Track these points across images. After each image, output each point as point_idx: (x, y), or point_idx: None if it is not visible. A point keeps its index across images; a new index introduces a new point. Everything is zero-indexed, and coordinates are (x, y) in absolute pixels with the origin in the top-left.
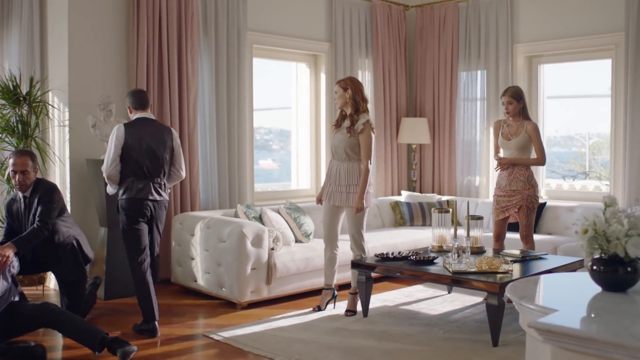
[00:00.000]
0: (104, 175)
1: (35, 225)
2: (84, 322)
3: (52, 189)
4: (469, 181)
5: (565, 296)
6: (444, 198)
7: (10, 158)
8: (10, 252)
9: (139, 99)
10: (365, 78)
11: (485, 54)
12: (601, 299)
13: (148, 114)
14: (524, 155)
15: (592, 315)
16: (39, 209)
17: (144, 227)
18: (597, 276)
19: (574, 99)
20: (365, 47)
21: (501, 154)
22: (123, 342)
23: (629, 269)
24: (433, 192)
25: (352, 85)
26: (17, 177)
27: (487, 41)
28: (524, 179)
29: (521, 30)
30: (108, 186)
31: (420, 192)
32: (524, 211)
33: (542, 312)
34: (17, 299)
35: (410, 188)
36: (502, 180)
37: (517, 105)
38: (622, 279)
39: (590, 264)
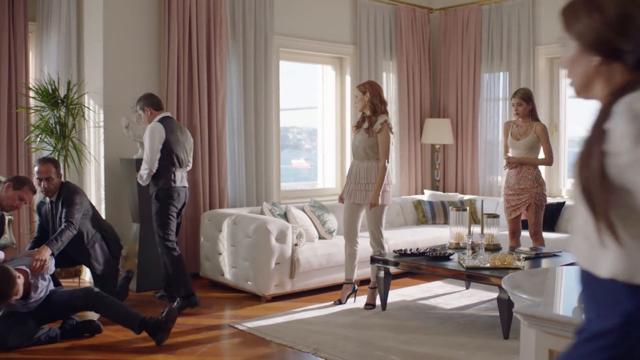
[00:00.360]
0: (150, 169)
1: (62, 226)
2: (124, 306)
3: (74, 192)
4: (491, 180)
5: (557, 287)
6: (466, 197)
7: (35, 166)
8: (46, 256)
9: (157, 101)
10: (390, 80)
11: (508, 55)
12: None
13: (168, 113)
14: (532, 155)
15: (575, 303)
16: (64, 211)
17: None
18: None
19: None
20: (389, 49)
21: (510, 154)
22: (160, 325)
23: None
24: (456, 192)
25: (370, 89)
26: (42, 183)
27: (509, 43)
28: (532, 177)
29: (542, 32)
30: (142, 178)
31: (444, 191)
32: (532, 209)
33: (531, 300)
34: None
35: (434, 187)
36: (511, 179)
37: (527, 106)
38: None
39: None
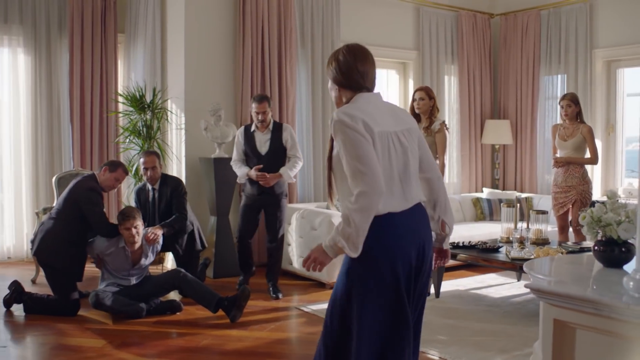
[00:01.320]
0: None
1: (175, 215)
2: (205, 286)
3: (180, 183)
4: (549, 179)
5: (571, 270)
6: (523, 195)
7: (140, 158)
8: (160, 232)
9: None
10: (451, 83)
11: (565, 58)
12: (598, 272)
13: None
14: (579, 155)
15: (578, 281)
16: (175, 202)
17: None
18: (598, 255)
19: None
20: (451, 54)
21: (558, 154)
22: (235, 302)
23: (623, 249)
24: (514, 190)
25: (432, 94)
26: (148, 172)
27: (567, 46)
28: (579, 175)
29: (600, 36)
30: (293, 175)
31: (503, 189)
32: (577, 205)
33: (543, 279)
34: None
35: (494, 186)
36: (559, 177)
37: (575, 108)
38: (618, 257)
39: (593, 245)
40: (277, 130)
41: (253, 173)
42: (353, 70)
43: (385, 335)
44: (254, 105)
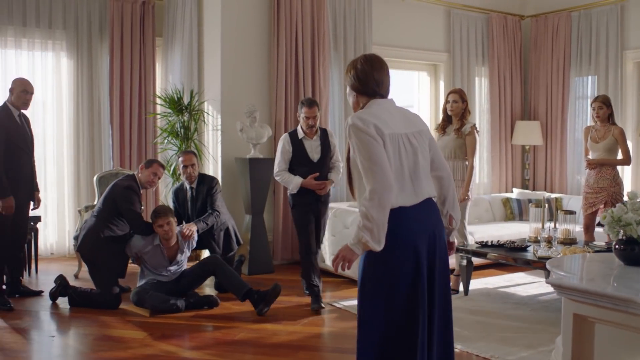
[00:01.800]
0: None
1: (209, 212)
2: (238, 276)
3: (215, 181)
4: (579, 179)
5: (592, 267)
6: (553, 195)
7: (180, 157)
8: (194, 228)
9: None
10: (482, 85)
11: (596, 60)
12: (619, 270)
13: None
14: (610, 157)
15: (598, 278)
16: (209, 200)
17: None
18: (618, 253)
19: None
20: (482, 56)
21: (590, 156)
22: (264, 297)
23: None
24: (544, 190)
25: (465, 97)
26: (187, 170)
27: (597, 48)
28: (611, 177)
29: (631, 37)
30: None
31: (533, 190)
32: (608, 206)
33: (565, 276)
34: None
35: (524, 186)
36: (591, 179)
37: (606, 110)
38: (637, 256)
39: (614, 243)
40: (324, 135)
41: (312, 182)
42: (369, 79)
43: (397, 321)
44: (303, 109)
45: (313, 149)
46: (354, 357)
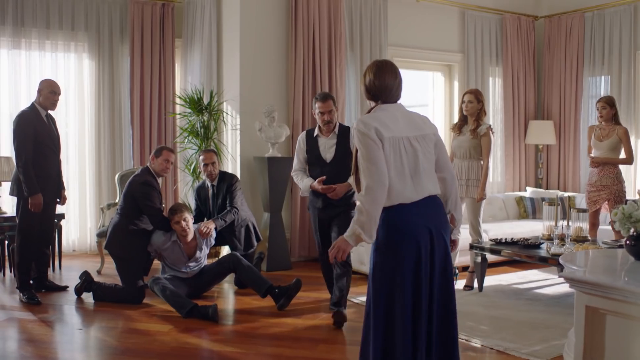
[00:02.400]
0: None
1: (227, 209)
2: (258, 272)
3: (236, 180)
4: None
5: (603, 262)
6: (566, 194)
7: (200, 155)
8: (212, 225)
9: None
10: (496, 84)
11: (609, 60)
12: (630, 265)
13: None
14: (614, 156)
15: (609, 271)
16: (228, 197)
17: None
18: (629, 249)
19: None
20: (495, 56)
21: (593, 154)
22: (285, 292)
23: None
24: (557, 189)
25: (481, 98)
26: (208, 168)
27: (610, 48)
28: (613, 175)
29: None
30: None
31: (546, 188)
32: (611, 204)
33: (577, 270)
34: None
35: (537, 185)
36: (593, 177)
37: (610, 110)
38: None
39: (625, 240)
40: (343, 134)
41: (317, 186)
42: (376, 86)
43: (401, 311)
44: (317, 105)
45: (327, 148)
46: None
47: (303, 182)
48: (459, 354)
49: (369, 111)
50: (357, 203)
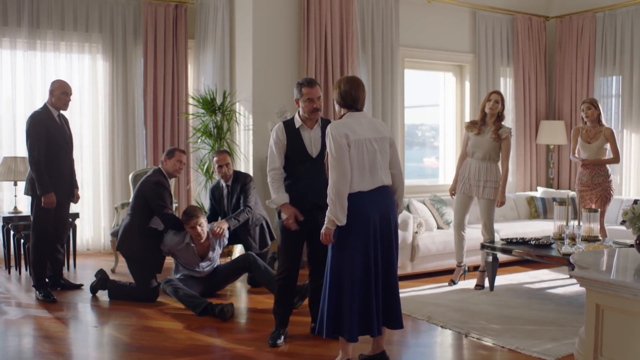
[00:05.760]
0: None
1: (241, 208)
2: (272, 272)
3: (250, 179)
4: None
5: (613, 261)
6: None
7: (214, 157)
8: (225, 226)
9: None
10: (507, 85)
11: (621, 60)
12: (639, 264)
13: None
14: (601, 156)
15: (619, 270)
16: (243, 196)
17: None
18: (639, 248)
19: None
20: (506, 56)
21: (582, 155)
22: (299, 292)
23: None
24: (568, 189)
25: (504, 101)
26: (222, 169)
27: (622, 48)
28: (604, 173)
29: None
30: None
31: (557, 188)
32: (601, 200)
33: (590, 268)
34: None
35: (548, 185)
36: (584, 177)
37: (595, 111)
38: None
39: (635, 238)
40: (326, 127)
41: (293, 225)
42: (348, 96)
43: (356, 271)
44: (304, 90)
45: (312, 141)
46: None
47: (278, 195)
48: (400, 307)
49: (340, 117)
50: (328, 196)
